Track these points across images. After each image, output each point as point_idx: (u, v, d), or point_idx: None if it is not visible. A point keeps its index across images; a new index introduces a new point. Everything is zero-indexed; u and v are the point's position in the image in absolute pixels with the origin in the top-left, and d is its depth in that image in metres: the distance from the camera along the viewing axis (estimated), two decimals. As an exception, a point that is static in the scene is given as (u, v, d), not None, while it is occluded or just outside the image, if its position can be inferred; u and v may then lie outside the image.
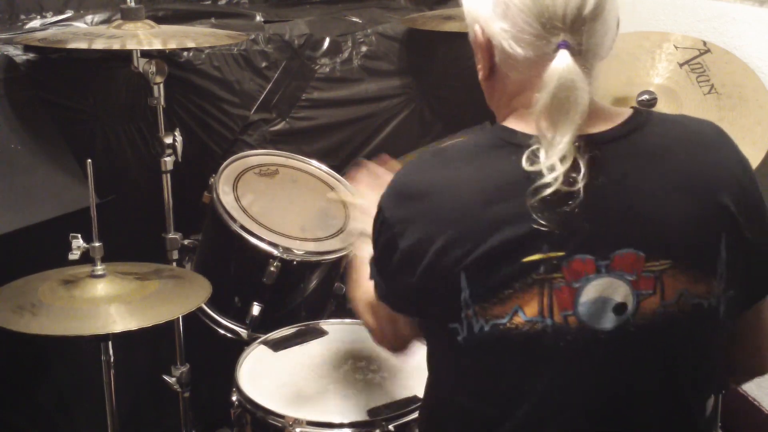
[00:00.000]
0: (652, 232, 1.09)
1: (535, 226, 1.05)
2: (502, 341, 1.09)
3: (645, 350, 1.11)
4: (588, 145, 1.07)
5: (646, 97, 2.03)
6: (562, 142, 1.04)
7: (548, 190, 1.04)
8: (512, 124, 1.15)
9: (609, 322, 1.08)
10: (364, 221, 1.46)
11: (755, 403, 2.33)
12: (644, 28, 2.35)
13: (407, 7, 2.81)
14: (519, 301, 1.07)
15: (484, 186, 1.10)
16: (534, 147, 1.07)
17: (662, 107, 2.04)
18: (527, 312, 1.07)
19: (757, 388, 2.33)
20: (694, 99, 2.04)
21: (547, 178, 1.04)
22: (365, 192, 1.55)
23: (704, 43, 2.10)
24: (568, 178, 1.05)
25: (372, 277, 1.23)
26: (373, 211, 1.33)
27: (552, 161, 1.04)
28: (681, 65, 2.10)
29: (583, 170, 1.05)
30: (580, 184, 1.05)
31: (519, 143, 1.09)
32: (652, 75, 2.11)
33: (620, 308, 1.08)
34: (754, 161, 1.89)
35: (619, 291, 1.08)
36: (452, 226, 1.09)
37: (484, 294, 1.08)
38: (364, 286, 1.34)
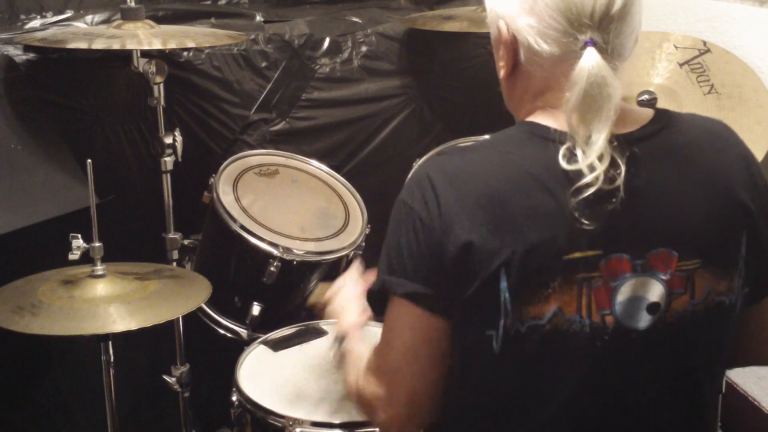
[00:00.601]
0: (684, 232, 1.09)
1: (577, 225, 1.04)
2: (538, 342, 1.07)
3: (672, 349, 1.11)
4: (623, 143, 1.07)
5: (646, 97, 2.03)
6: (600, 139, 1.03)
7: (590, 190, 1.03)
8: (540, 120, 1.13)
9: (643, 321, 1.08)
10: (346, 316, 1.43)
11: (755, 403, 2.33)
12: (644, 28, 2.34)
13: (407, 7, 2.81)
14: (558, 302, 1.06)
15: (517, 175, 1.07)
16: (568, 144, 1.05)
17: (662, 107, 2.03)
18: (566, 311, 1.06)
19: (758, 388, 2.33)
20: (694, 99, 2.04)
21: (588, 177, 1.03)
22: (348, 286, 1.52)
23: (704, 43, 2.10)
24: (608, 176, 1.04)
25: (402, 293, 1.11)
26: (352, 307, 1.35)
27: (591, 160, 1.03)
28: (681, 65, 2.10)
29: (623, 168, 1.05)
30: (620, 183, 1.04)
31: (550, 137, 1.08)
32: (652, 75, 2.11)
33: (654, 307, 1.08)
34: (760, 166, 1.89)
35: (653, 290, 1.08)
36: (488, 212, 1.05)
37: (523, 294, 1.06)
38: (355, 364, 1.24)
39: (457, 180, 1.08)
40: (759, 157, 1.90)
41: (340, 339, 1.39)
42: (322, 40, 2.54)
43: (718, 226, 1.11)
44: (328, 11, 2.69)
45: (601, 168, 1.03)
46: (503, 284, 1.05)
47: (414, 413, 1.15)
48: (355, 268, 1.57)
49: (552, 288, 1.05)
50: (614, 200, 1.05)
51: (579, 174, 1.04)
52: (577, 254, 1.05)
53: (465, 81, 2.65)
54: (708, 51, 2.09)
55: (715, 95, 2.03)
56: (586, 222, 1.04)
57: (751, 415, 2.33)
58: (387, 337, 1.15)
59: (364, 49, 2.59)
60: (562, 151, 1.05)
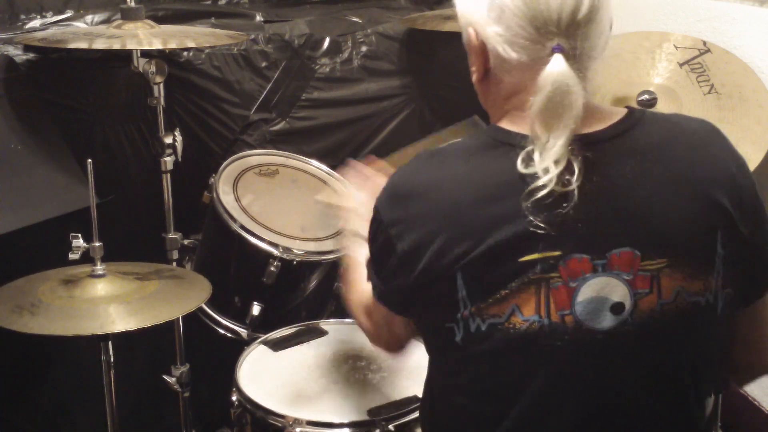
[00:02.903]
0: (648, 231, 1.09)
1: (531, 228, 1.06)
2: (499, 340, 1.09)
3: (643, 349, 1.11)
4: (582, 145, 1.08)
5: (646, 97, 2.03)
6: (556, 145, 1.05)
7: (542, 192, 1.05)
8: (506, 125, 1.16)
9: (606, 321, 1.08)
10: (354, 222, 1.48)
11: (755, 403, 2.33)
12: (644, 28, 2.35)
13: (407, 7, 2.81)
14: (516, 301, 1.08)
15: (479, 185, 1.10)
16: (529, 148, 1.07)
17: (662, 107, 2.04)
18: (524, 311, 1.08)
19: (758, 388, 2.33)
20: (694, 99, 2.04)
21: (542, 180, 1.04)
22: (354, 193, 1.55)
23: (704, 43, 2.10)
24: (563, 180, 1.05)
25: (369, 278, 1.24)
26: (363, 211, 1.35)
27: (546, 164, 1.05)
28: (681, 65, 2.10)
29: (576, 171, 1.06)
30: (575, 185, 1.05)
31: (513, 143, 1.10)
32: (652, 75, 2.11)
33: (618, 308, 1.08)
34: (754, 161, 1.89)
35: (617, 290, 1.08)
36: (448, 226, 1.09)
37: (480, 293, 1.09)
38: (358, 288, 1.35)
39: (421, 193, 1.13)
40: (759, 157, 1.90)
41: (349, 236, 1.48)
42: (322, 40, 2.54)
43: (688, 225, 1.10)
44: (328, 11, 2.69)
45: (555, 171, 1.04)
46: (460, 282, 1.09)
47: (392, 348, 1.35)
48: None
49: (509, 288, 1.08)
50: (566, 204, 1.06)
51: (534, 177, 1.06)
52: (535, 255, 1.07)
53: (465, 81, 2.63)
54: (708, 51, 2.09)
55: (715, 95, 2.03)
56: (541, 224, 1.06)
57: (751, 415, 2.33)
58: (372, 300, 1.26)
59: (364, 49, 2.59)
60: (521, 155, 1.07)
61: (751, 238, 1.14)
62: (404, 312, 1.22)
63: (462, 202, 1.10)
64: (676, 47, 2.12)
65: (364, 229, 1.41)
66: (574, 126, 1.06)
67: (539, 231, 1.06)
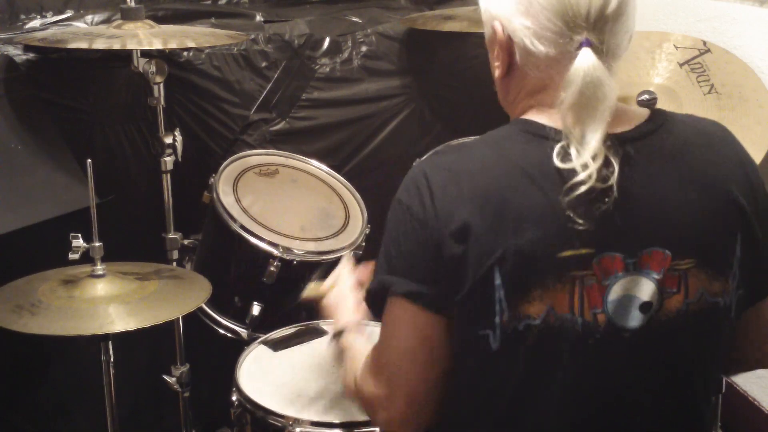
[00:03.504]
0: (677, 231, 1.09)
1: (570, 225, 1.05)
2: (533, 341, 1.07)
3: (666, 348, 1.11)
4: (617, 143, 1.07)
5: (646, 97, 2.03)
6: (594, 139, 1.04)
7: (583, 188, 1.03)
8: (535, 118, 1.13)
9: (635, 320, 1.08)
10: (337, 314, 1.44)
11: (755, 403, 2.33)
12: (644, 28, 2.35)
13: (407, 7, 2.81)
14: (552, 300, 1.06)
15: (512, 172, 1.07)
16: (563, 143, 1.06)
17: (662, 107, 2.03)
18: (558, 309, 1.07)
19: (758, 388, 2.33)
20: (694, 99, 2.04)
21: (581, 176, 1.03)
22: (331, 290, 1.52)
23: (704, 43, 2.10)
24: (601, 176, 1.04)
25: (400, 291, 1.11)
26: (336, 308, 1.37)
27: (585, 159, 1.04)
28: (681, 65, 2.10)
29: (616, 168, 1.05)
30: (613, 182, 1.05)
31: (545, 135, 1.09)
32: (652, 75, 2.11)
33: (646, 307, 1.08)
34: (755, 161, 1.89)
35: (646, 289, 1.08)
36: (483, 210, 1.05)
37: (519, 292, 1.06)
38: (354, 362, 1.25)
39: (453, 177, 1.09)
40: (759, 157, 1.90)
41: (338, 334, 1.39)
42: (322, 40, 2.54)
43: (712, 226, 1.11)
44: (328, 11, 2.69)
45: (594, 167, 1.04)
46: (497, 281, 1.06)
47: (414, 413, 1.15)
48: (346, 262, 1.58)
49: (545, 286, 1.06)
50: (607, 199, 1.05)
51: (572, 173, 1.04)
52: (570, 252, 1.06)
53: (465, 81, 2.64)
54: (708, 51, 2.09)
55: (715, 95, 2.03)
56: (579, 221, 1.05)
57: (751, 415, 2.33)
58: (386, 337, 1.15)
59: (364, 49, 2.59)
60: (556, 149, 1.06)
61: (764, 239, 1.15)
62: (443, 308, 1.10)
63: (497, 187, 1.07)
64: (676, 47, 2.12)
65: (346, 317, 1.40)
66: (609, 119, 1.05)
67: (577, 227, 1.05)
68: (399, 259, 1.12)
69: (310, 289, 1.63)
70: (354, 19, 2.64)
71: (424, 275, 1.09)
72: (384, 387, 1.16)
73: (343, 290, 1.49)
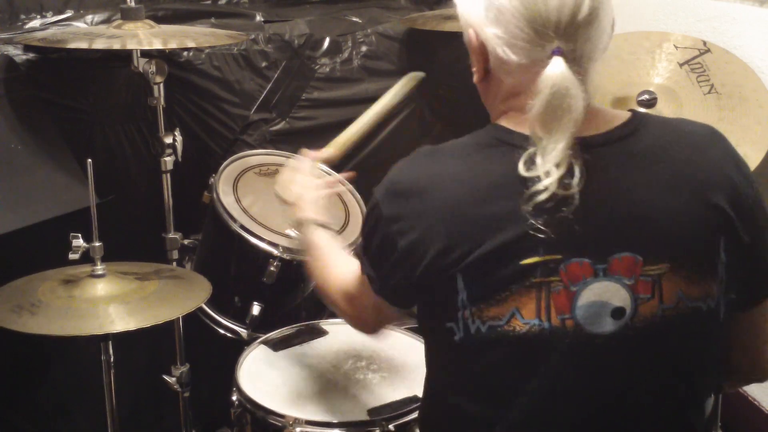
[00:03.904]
0: (649, 236, 1.09)
1: (532, 232, 1.05)
2: (498, 343, 1.09)
3: (643, 354, 1.10)
4: (583, 149, 1.07)
5: (646, 97, 2.03)
6: (557, 148, 1.04)
7: (543, 196, 1.04)
8: (507, 124, 1.15)
9: (607, 326, 1.08)
10: (306, 210, 1.53)
11: (755, 403, 2.33)
12: (644, 28, 2.35)
13: (407, 7, 2.81)
14: (516, 304, 1.07)
15: (479, 184, 1.10)
16: (531, 150, 1.07)
17: (662, 107, 2.04)
18: (524, 314, 1.07)
19: (758, 388, 2.33)
20: (694, 99, 2.04)
21: (542, 183, 1.04)
22: (298, 179, 1.63)
23: (704, 43, 2.10)
24: (563, 183, 1.05)
25: (365, 271, 1.22)
26: (310, 196, 1.47)
27: (547, 167, 1.04)
28: (681, 65, 2.10)
29: (578, 175, 1.05)
30: (576, 189, 1.05)
31: (514, 143, 1.10)
32: (652, 75, 2.11)
33: (618, 312, 1.08)
34: (754, 161, 1.89)
35: (618, 295, 1.08)
36: (449, 225, 1.09)
37: (481, 296, 1.08)
38: (334, 274, 1.37)
39: (421, 190, 1.12)
40: (759, 157, 1.90)
41: (300, 224, 1.51)
42: (322, 40, 2.54)
43: (689, 230, 1.10)
44: (328, 11, 2.69)
45: (556, 175, 1.04)
46: (460, 284, 1.09)
47: (377, 330, 1.37)
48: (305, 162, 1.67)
49: (509, 291, 1.07)
50: (566, 207, 1.05)
51: (536, 180, 1.05)
52: (534, 259, 1.06)
53: (465, 81, 2.61)
54: (708, 51, 2.09)
55: (715, 95, 2.03)
56: (542, 228, 1.05)
57: (751, 415, 2.33)
58: (360, 288, 1.26)
59: (364, 49, 2.59)
60: (523, 157, 1.07)
61: (751, 244, 1.14)
62: (402, 305, 1.22)
63: (462, 202, 1.09)
64: (676, 47, 2.12)
65: (316, 214, 1.50)
66: (574, 129, 1.05)
67: (540, 234, 1.05)
68: (368, 246, 1.21)
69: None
70: (354, 19, 2.64)
71: (381, 267, 1.18)
72: (354, 312, 1.33)
73: (306, 184, 1.60)
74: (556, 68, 1.05)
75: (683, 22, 2.37)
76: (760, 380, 1.32)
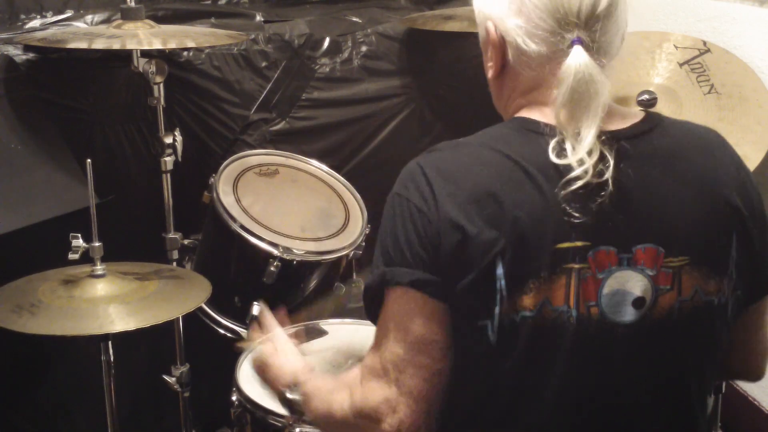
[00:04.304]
0: (671, 229, 1.10)
1: (566, 218, 1.06)
2: (528, 334, 1.08)
3: (659, 345, 1.11)
4: (612, 139, 1.08)
5: (646, 96, 2.03)
6: (589, 135, 1.05)
7: (579, 183, 1.05)
8: (530, 115, 1.15)
9: (628, 315, 1.09)
10: (282, 365, 1.37)
11: (755, 403, 2.33)
12: (644, 28, 2.35)
13: (407, 7, 2.81)
14: (548, 292, 1.07)
15: (510, 168, 1.08)
16: (558, 138, 1.07)
17: (662, 107, 2.04)
18: (554, 301, 1.07)
19: (758, 388, 2.33)
20: (694, 99, 2.04)
21: (577, 171, 1.05)
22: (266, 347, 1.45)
23: (704, 43, 2.10)
24: (597, 170, 1.06)
25: (396, 281, 1.10)
26: (280, 362, 1.32)
27: (580, 155, 1.05)
28: (681, 65, 2.10)
29: (611, 162, 1.06)
30: (609, 176, 1.06)
31: (541, 132, 1.10)
32: (652, 75, 2.11)
33: (639, 302, 1.09)
34: (754, 161, 1.89)
35: (639, 285, 1.09)
36: (482, 208, 1.06)
37: (519, 282, 1.06)
38: (344, 389, 1.19)
39: (449, 175, 1.09)
40: (759, 156, 1.90)
41: (292, 387, 1.31)
42: (322, 40, 2.54)
43: (706, 226, 1.11)
44: (328, 11, 2.69)
45: (590, 162, 1.05)
46: (499, 271, 1.06)
47: (423, 413, 1.11)
48: (273, 323, 1.52)
49: (541, 277, 1.07)
50: (603, 194, 1.06)
51: (568, 168, 1.05)
52: (567, 244, 1.06)
53: (465, 81, 2.64)
54: (708, 51, 2.09)
55: (715, 95, 2.03)
56: (575, 215, 1.06)
57: (751, 415, 2.33)
58: (389, 332, 1.11)
59: (364, 49, 2.59)
60: (552, 145, 1.07)
61: (758, 244, 1.16)
62: (442, 293, 1.08)
63: (494, 186, 1.07)
64: (676, 47, 2.12)
65: (299, 363, 1.35)
66: (603, 114, 1.06)
67: (574, 220, 1.06)
68: (398, 250, 1.10)
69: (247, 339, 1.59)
70: (354, 19, 2.64)
71: (427, 264, 1.08)
72: (393, 383, 1.10)
73: (281, 342, 1.44)
74: (578, 57, 1.06)
75: (683, 22, 2.37)
76: (750, 380, 1.32)
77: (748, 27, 2.17)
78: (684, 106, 2.03)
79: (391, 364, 1.10)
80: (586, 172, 1.04)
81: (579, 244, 1.07)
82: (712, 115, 1.99)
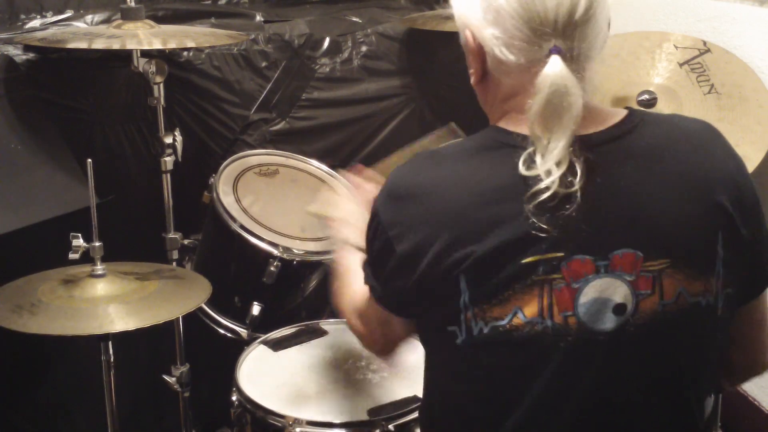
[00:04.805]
0: (650, 232, 1.09)
1: (534, 231, 1.05)
2: (501, 343, 1.09)
3: (644, 350, 1.11)
4: (583, 147, 1.07)
5: (646, 97, 2.03)
6: (558, 147, 1.05)
7: (545, 195, 1.04)
8: (506, 125, 1.15)
9: (609, 322, 1.08)
10: (345, 231, 1.48)
11: (755, 403, 2.33)
12: (644, 28, 2.35)
13: (407, 7, 2.81)
14: (519, 303, 1.07)
15: (480, 187, 1.10)
16: (530, 150, 1.07)
17: (662, 107, 2.04)
18: (527, 313, 1.07)
19: (757, 388, 2.33)
20: (694, 99, 2.04)
21: (544, 182, 1.04)
22: (344, 202, 1.57)
23: (704, 43, 2.10)
24: (565, 181, 1.05)
25: (367, 280, 1.23)
26: (353, 220, 1.38)
27: (548, 166, 1.04)
28: (681, 65, 2.10)
29: (579, 173, 1.05)
30: (577, 187, 1.05)
31: (514, 144, 1.10)
32: (652, 75, 2.11)
33: (620, 309, 1.08)
34: (754, 161, 1.89)
35: (619, 291, 1.08)
36: (449, 227, 1.09)
37: (483, 296, 1.08)
38: (349, 293, 1.35)
39: (421, 194, 1.12)
40: (759, 157, 1.90)
41: (342, 246, 1.47)
42: (322, 40, 2.54)
43: (689, 225, 1.10)
44: (328, 11, 2.69)
45: (557, 173, 1.04)
46: (462, 285, 1.08)
47: (387, 350, 1.33)
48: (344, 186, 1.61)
49: (512, 289, 1.07)
50: (569, 205, 1.06)
51: (537, 179, 1.05)
52: (536, 257, 1.06)
53: (465, 81, 2.63)
54: (708, 51, 2.09)
55: (715, 95, 2.03)
56: (544, 226, 1.05)
57: (751, 415, 2.33)
58: (367, 303, 1.25)
59: (364, 49, 2.59)
60: (522, 157, 1.07)
61: (750, 239, 1.14)
62: (403, 313, 1.21)
63: (462, 204, 1.09)
64: (676, 47, 2.12)
65: (354, 237, 1.43)
66: (575, 127, 1.05)
67: (542, 233, 1.05)
68: (369, 255, 1.21)
69: (318, 206, 1.66)
70: (354, 19, 2.64)
71: (382, 277, 1.18)
72: (365, 330, 1.32)
73: (352, 207, 1.55)
74: (555, 67, 1.05)
75: (683, 22, 2.37)
76: (759, 373, 1.31)
77: (748, 27, 2.17)
78: (684, 106, 2.03)
79: (365, 319, 1.31)
80: (552, 183, 1.04)
81: (550, 255, 1.06)
82: (712, 115, 1.99)
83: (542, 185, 1.04)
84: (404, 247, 1.12)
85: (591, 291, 1.08)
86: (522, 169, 1.06)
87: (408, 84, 2.65)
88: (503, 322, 1.08)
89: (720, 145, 1.17)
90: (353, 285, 1.34)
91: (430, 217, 1.10)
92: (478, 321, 1.09)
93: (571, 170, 1.05)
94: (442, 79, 2.68)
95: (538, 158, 1.06)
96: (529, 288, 1.07)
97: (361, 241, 1.38)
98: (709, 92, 2.04)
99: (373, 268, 1.21)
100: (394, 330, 1.26)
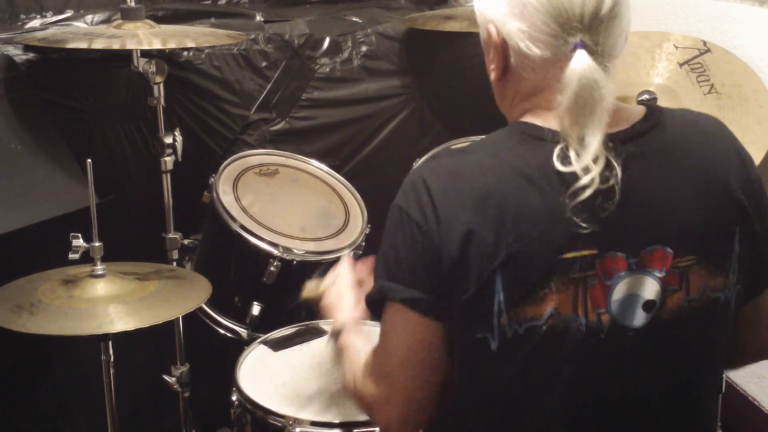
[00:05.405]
0: (678, 228, 1.09)
1: (573, 228, 1.04)
2: (536, 343, 1.07)
3: (669, 345, 1.11)
4: (617, 143, 1.07)
5: (646, 96, 2.03)
6: (594, 141, 1.04)
7: (588, 192, 1.03)
8: (533, 120, 1.13)
9: (639, 319, 1.09)
10: (335, 314, 1.42)
11: (755, 403, 2.33)
12: (644, 28, 2.35)
13: (407, 7, 2.81)
14: (554, 302, 1.06)
15: (512, 176, 1.07)
16: (562, 145, 1.06)
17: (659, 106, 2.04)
18: (562, 311, 1.07)
19: (758, 388, 2.33)
20: (694, 99, 2.05)
21: (584, 180, 1.03)
22: (338, 283, 1.49)
23: (704, 43, 2.10)
24: (603, 177, 1.04)
25: (396, 296, 1.12)
26: (340, 303, 1.35)
27: (585, 162, 1.04)
28: (681, 65, 2.10)
29: (618, 169, 1.05)
30: (615, 182, 1.05)
31: (545, 138, 1.09)
32: (652, 75, 2.11)
33: (649, 305, 1.09)
34: (754, 161, 1.89)
35: (649, 288, 1.09)
36: (484, 216, 1.05)
37: (519, 295, 1.06)
38: (354, 360, 1.26)
39: (452, 181, 1.09)
40: (759, 157, 1.90)
41: (336, 334, 1.38)
42: (322, 40, 2.54)
43: (711, 222, 1.11)
44: (328, 11, 2.69)
45: (596, 170, 1.04)
46: (498, 285, 1.06)
47: (411, 415, 1.17)
48: (346, 261, 1.57)
49: (548, 288, 1.06)
50: (610, 201, 1.05)
51: (573, 176, 1.04)
52: (573, 254, 1.06)
53: (465, 81, 2.64)
54: (708, 51, 2.09)
55: (715, 95, 2.03)
56: (583, 224, 1.05)
57: (751, 415, 2.33)
58: (384, 342, 1.16)
59: (364, 49, 2.59)
60: (556, 152, 1.06)
61: (762, 233, 1.15)
62: (440, 314, 1.11)
63: (495, 192, 1.06)
64: (676, 47, 2.12)
65: (348, 316, 1.38)
66: (608, 120, 1.05)
67: (581, 231, 1.05)
68: (398, 265, 1.12)
69: (309, 290, 1.63)
70: (354, 19, 2.64)
71: (423, 282, 1.10)
72: (382, 389, 1.17)
73: (341, 288, 1.47)
74: (582, 61, 1.05)
75: (683, 22, 2.37)
76: (761, 358, 1.31)
77: (748, 27, 2.17)
78: (684, 106, 2.03)
79: (383, 371, 1.17)
80: (593, 180, 1.03)
81: (585, 252, 1.06)
82: (711, 115, 1.99)
83: (583, 183, 1.03)
84: (440, 238, 1.07)
85: (623, 288, 1.08)
86: (557, 164, 1.05)
87: (408, 84, 2.65)
88: (540, 322, 1.06)
89: (729, 140, 1.18)
90: (355, 356, 1.26)
91: (463, 201, 1.07)
92: (513, 324, 1.07)
93: (608, 166, 1.05)
94: (442, 79, 2.68)
95: (572, 154, 1.05)
96: (565, 286, 1.06)
97: (351, 312, 1.37)
98: (709, 92, 2.04)
99: (402, 271, 1.11)
100: (419, 364, 1.13)
